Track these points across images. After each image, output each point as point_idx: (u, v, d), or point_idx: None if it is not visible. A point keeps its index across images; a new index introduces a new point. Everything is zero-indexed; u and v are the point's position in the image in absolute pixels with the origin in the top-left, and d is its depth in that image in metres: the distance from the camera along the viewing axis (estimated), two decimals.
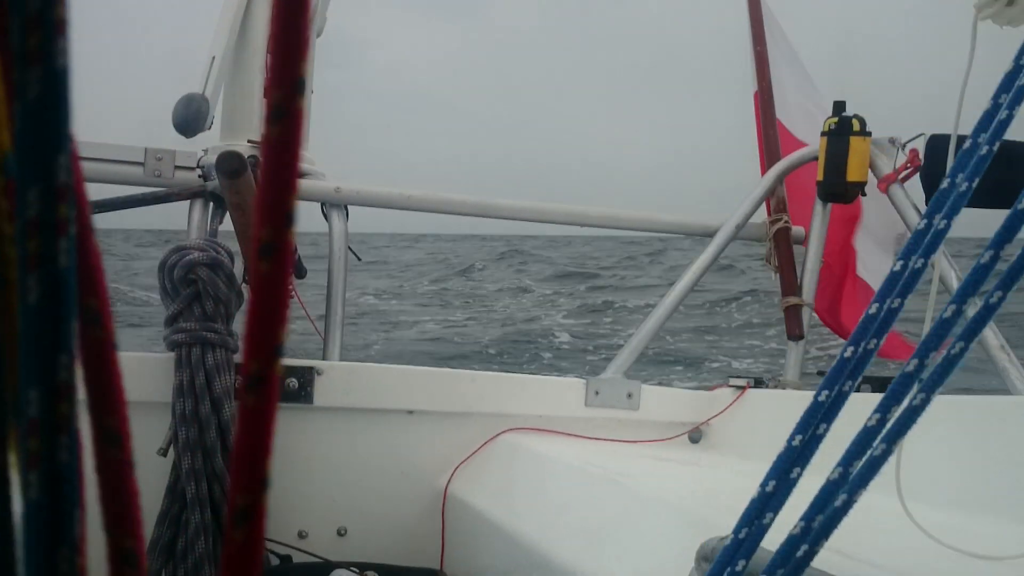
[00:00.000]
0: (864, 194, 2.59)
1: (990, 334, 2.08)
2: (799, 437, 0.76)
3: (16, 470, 0.26)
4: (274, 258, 0.29)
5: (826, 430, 0.75)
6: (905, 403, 0.71)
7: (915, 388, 0.71)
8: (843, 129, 2.51)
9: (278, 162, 0.29)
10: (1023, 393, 1.98)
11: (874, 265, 2.87)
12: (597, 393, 2.43)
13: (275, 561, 2.05)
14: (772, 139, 2.94)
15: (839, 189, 2.53)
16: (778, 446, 0.74)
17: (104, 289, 0.29)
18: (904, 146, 2.54)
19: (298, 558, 2.04)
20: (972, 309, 0.71)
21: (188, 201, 2.33)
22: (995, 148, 0.81)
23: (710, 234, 2.59)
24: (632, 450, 2.27)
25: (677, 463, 2.12)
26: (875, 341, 0.76)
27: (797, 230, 2.72)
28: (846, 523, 0.71)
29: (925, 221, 0.79)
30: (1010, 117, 0.81)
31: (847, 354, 0.75)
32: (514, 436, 2.30)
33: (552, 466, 2.01)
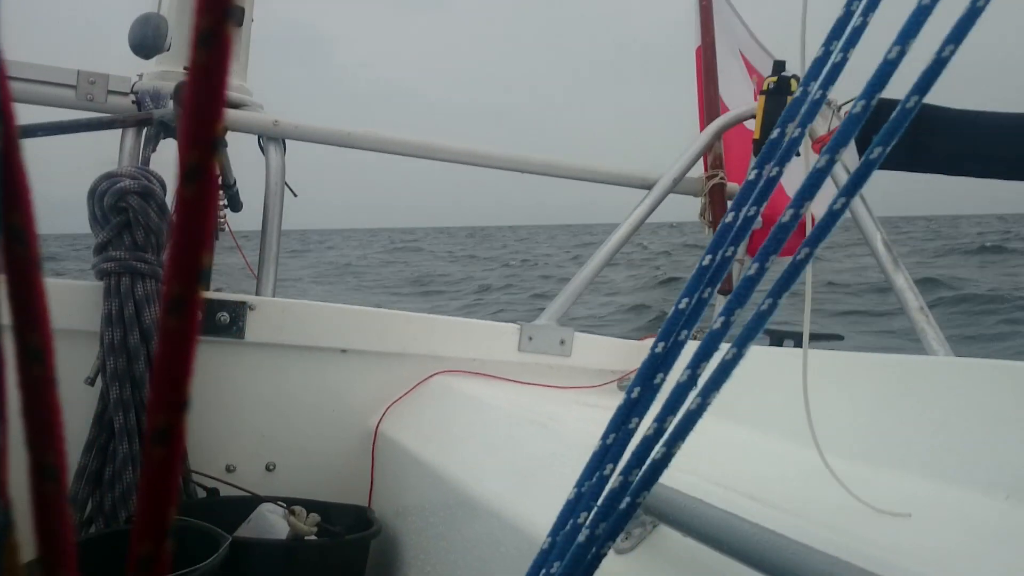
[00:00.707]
0: (798, 154, 2.64)
1: (910, 296, 2.16)
2: (637, 389, 0.78)
3: None
4: (199, 182, 0.29)
5: (663, 379, 0.77)
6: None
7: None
8: (781, 88, 2.54)
9: (204, 87, 0.29)
10: (938, 354, 2.07)
11: None
12: (531, 339, 2.46)
13: (202, 494, 2.05)
14: (712, 95, 2.97)
15: None
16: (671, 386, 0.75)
17: (30, 207, 0.29)
18: (840, 108, 2.59)
19: (225, 491, 2.04)
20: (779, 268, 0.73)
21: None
22: (827, 94, 0.83)
23: (647, 186, 2.61)
24: (562, 396, 2.32)
25: (604, 409, 2.17)
26: (709, 290, 0.78)
27: (732, 186, 2.77)
28: (762, 472, 0.74)
29: (756, 171, 0.81)
30: (844, 61, 0.82)
31: (681, 305, 0.76)
32: (446, 378, 2.32)
33: (483, 408, 2.04)
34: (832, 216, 0.71)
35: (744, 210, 0.78)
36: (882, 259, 2.21)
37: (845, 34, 0.82)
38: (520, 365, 2.43)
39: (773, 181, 0.80)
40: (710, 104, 2.96)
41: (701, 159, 2.75)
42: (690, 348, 0.73)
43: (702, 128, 2.83)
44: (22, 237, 0.29)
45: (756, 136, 2.60)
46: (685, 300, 0.77)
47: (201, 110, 0.29)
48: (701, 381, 0.71)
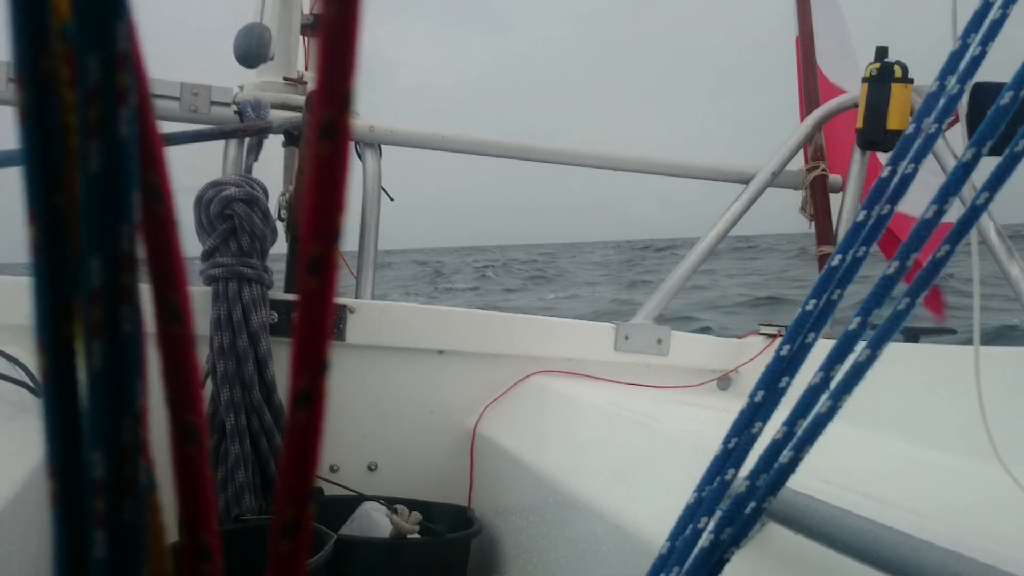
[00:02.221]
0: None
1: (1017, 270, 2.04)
2: (761, 393, 0.75)
3: (80, 340, 0.26)
4: (334, 139, 0.28)
5: (788, 383, 0.74)
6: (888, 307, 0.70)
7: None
8: (884, 75, 2.45)
9: (337, 41, 0.29)
10: None
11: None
12: (627, 338, 2.43)
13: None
14: (811, 85, 2.88)
15: (878, 137, 2.48)
16: (798, 390, 0.73)
17: (164, 166, 0.29)
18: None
19: (329, 490, 2.07)
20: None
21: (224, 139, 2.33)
22: (965, 89, 0.78)
23: (745, 181, 2.55)
24: (660, 395, 2.28)
25: (705, 408, 2.13)
26: (838, 292, 0.75)
27: (834, 178, 2.67)
28: (875, 469, 0.71)
29: (889, 168, 0.77)
30: (982, 56, 0.78)
31: (808, 307, 0.74)
32: (543, 378, 2.31)
33: (580, 408, 2.02)
34: (974, 212, 0.68)
35: (877, 208, 0.74)
36: (996, 249, 2.09)
37: (983, 27, 0.78)
38: (617, 365, 2.40)
39: (908, 179, 0.77)
40: (809, 94, 2.87)
41: (801, 151, 2.66)
42: (817, 351, 0.70)
43: (802, 118, 2.74)
44: (158, 195, 0.29)
45: (859, 125, 2.51)
46: (813, 302, 0.74)
47: (334, 65, 0.28)
48: (833, 383, 0.68)
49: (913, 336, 2.41)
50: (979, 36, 0.79)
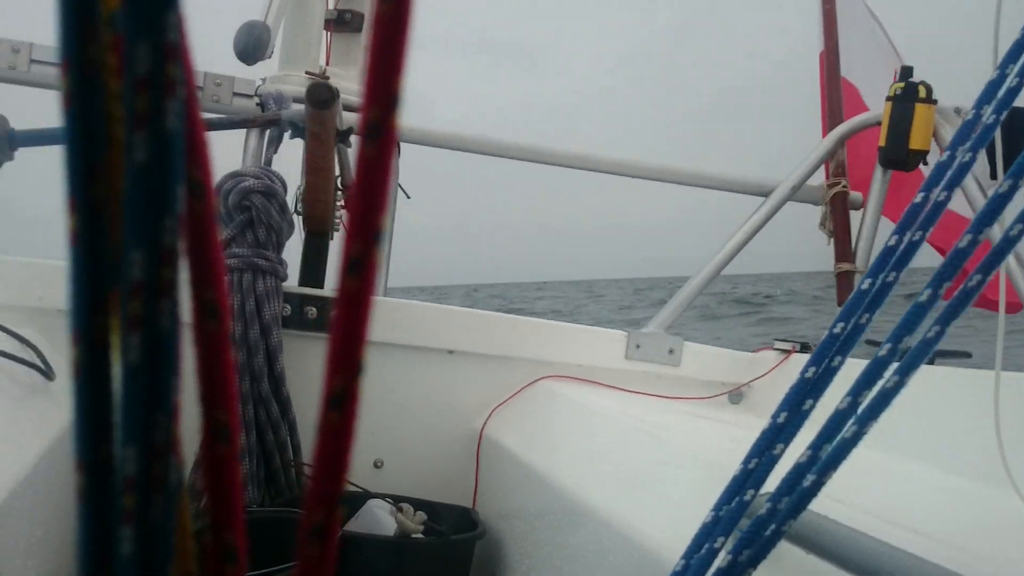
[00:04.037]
0: (926, 163, 2.52)
1: None
2: (784, 414, 0.75)
3: (116, 333, 0.26)
4: (380, 139, 0.28)
5: (812, 406, 0.74)
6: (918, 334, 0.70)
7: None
8: (909, 95, 2.43)
9: (386, 41, 0.28)
10: None
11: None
12: (638, 346, 2.42)
13: None
14: (835, 101, 2.86)
15: (900, 156, 2.46)
16: (823, 410, 0.73)
17: (208, 162, 0.28)
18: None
19: None
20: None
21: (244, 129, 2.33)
22: (1000, 118, 0.78)
23: (765, 194, 2.53)
24: (670, 406, 2.27)
25: (716, 421, 2.11)
26: (867, 316, 0.74)
27: (855, 195, 2.65)
28: (891, 492, 0.71)
29: (922, 194, 0.77)
30: (1020, 87, 0.78)
31: (836, 330, 0.73)
32: (552, 383, 2.30)
33: (589, 414, 2.01)
34: (1008, 243, 0.68)
35: (909, 234, 0.74)
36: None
37: (1022, 59, 0.78)
38: (627, 373, 2.39)
39: (941, 206, 0.76)
40: (832, 110, 2.85)
41: (822, 166, 2.65)
42: (842, 374, 0.70)
43: (824, 134, 2.73)
44: (201, 191, 0.28)
45: (881, 144, 2.49)
46: (840, 325, 0.73)
47: (382, 65, 0.28)
48: (860, 408, 0.68)
49: (929, 358, 2.39)
50: (1017, 67, 0.78)
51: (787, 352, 2.35)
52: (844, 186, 2.61)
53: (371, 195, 0.28)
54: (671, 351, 2.43)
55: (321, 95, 1.95)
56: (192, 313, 0.28)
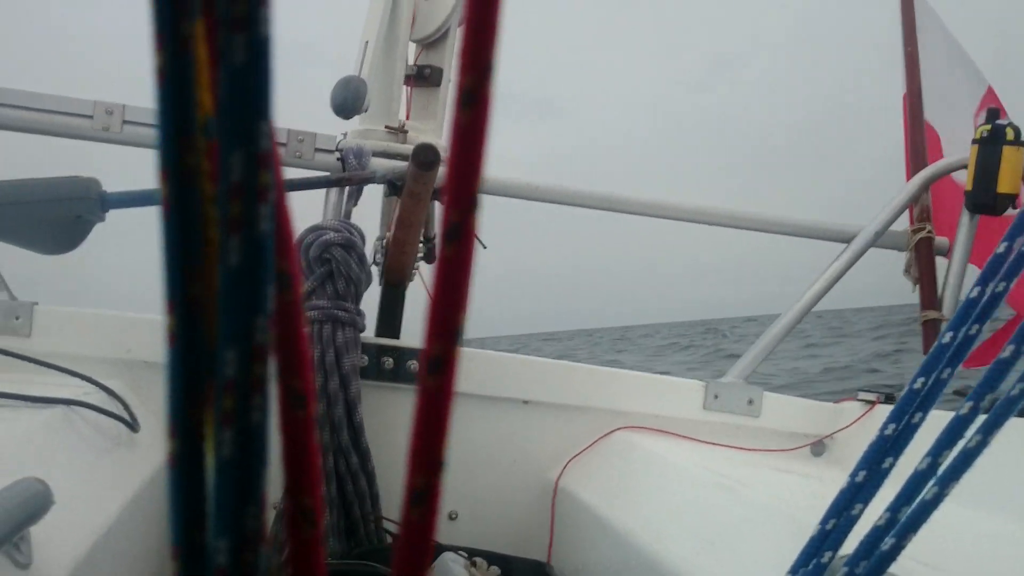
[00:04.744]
0: (1015, 207, 2.44)
1: None
2: (863, 473, 0.72)
3: (211, 428, 0.27)
4: (459, 241, 0.28)
5: (892, 464, 0.71)
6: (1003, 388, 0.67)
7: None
8: (996, 137, 2.36)
9: (467, 148, 0.29)
10: None
11: None
12: (716, 397, 2.37)
13: (389, 540, 2.09)
14: (918, 144, 2.80)
15: (988, 200, 2.38)
16: (905, 466, 0.70)
17: (294, 254, 0.29)
18: None
19: None
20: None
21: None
22: None
23: (847, 240, 2.48)
24: (751, 458, 2.21)
25: (798, 475, 2.05)
26: (948, 371, 0.72)
27: (941, 241, 2.58)
28: (962, 549, 0.68)
29: (1006, 244, 0.74)
30: None
31: (916, 385, 0.71)
32: (628, 434, 2.28)
33: (666, 467, 1.98)
34: None
35: (992, 285, 0.72)
36: None
37: None
38: (705, 424, 2.35)
39: None
40: (916, 153, 2.79)
41: (907, 211, 2.58)
42: (926, 427, 0.68)
43: (908, 178, 2.66)
44: (289, 284, 0.29)
45: (968, 188, 2.42)
46: (921, 380, 0.71)
47: (463, 170, 0.29)
48: (941, 469, 0.65)
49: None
50: None
51: (871, 403, 2.28)
52: (930, 231, 2.54)
53: (451, 294, 0.28)
54: (750, 401, 2.38)
55: (428, 157, 2.00)
56: (279, 401, 0.29)
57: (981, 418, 0.67)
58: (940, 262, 2.57)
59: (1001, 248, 0.74)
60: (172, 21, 0.27)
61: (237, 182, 0.27)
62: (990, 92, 3.19)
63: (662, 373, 2.53)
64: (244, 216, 0.26)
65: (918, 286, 2.51)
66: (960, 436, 0.67)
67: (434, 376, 0.28)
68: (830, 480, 2.07)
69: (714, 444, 2.29)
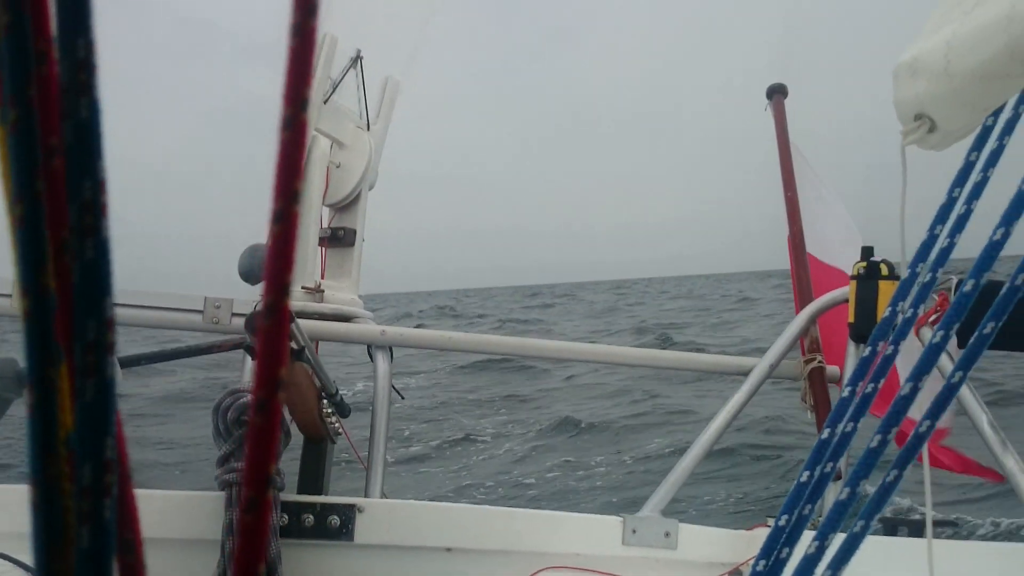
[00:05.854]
0: None
1: (1022, 479, 2.07)
2: None
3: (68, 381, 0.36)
4: (266, 413, 0.39)
5: None
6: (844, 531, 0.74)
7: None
8: (871, 273, 2.58)
9: (269, 347, 0.39)
10: None
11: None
12: (634, 531, 2.44)
13: None
14: (804, 281, 3.02)
15: (869, 331, 2.58)
16: None
17: (137, 521, 0.39)
18: (937, 287, 2.59)
19: None
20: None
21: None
22: (937, 276, 0.87)
23: (744, 373, 2.63)
24: None
25: None
26: (831, 465, 0.80)
27: (831, 369, 2.75)
28: None
29: (870, 349, 0.84)
30: (951, 246, 0.88)
31: (781, 522, 0.78)
32: (552, 575, 2.32)
33: None
34: (950, 390, 0.72)
35: (862, 386, 0.81)
36: (990, 441, 2.14)
37: (950, 220, 0.88)
38: (625, 560, 2.40)
39: (889, 360, 0.84)
40: (803, 289, 3.01)
41: (798, 344, 2.76)
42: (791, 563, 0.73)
43: (797, 312, 2.86)
44: (131, 548, 0.39)
45: (851, 320, 2.61)
46: (806, 473, 0.78)
47: (267, 362, 0.39)
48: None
49: (890, 528, 2.41)
50: (947, 228, 0.88)
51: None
52: (820, 361, 2.71)
53: (260, 462, 0.38)
54: (667, 534, 2.45)
55: (257, 323, 2.08)
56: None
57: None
58: (834, 389, 2.74)
59: (866, 352, 0.84)
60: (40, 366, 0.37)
61: (87, 485, 0.37)
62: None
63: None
64: (92, 511, 0.36)
65: (814, 413, 2.66)
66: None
67: (251, 514, 0.37)
68: None
69: None
